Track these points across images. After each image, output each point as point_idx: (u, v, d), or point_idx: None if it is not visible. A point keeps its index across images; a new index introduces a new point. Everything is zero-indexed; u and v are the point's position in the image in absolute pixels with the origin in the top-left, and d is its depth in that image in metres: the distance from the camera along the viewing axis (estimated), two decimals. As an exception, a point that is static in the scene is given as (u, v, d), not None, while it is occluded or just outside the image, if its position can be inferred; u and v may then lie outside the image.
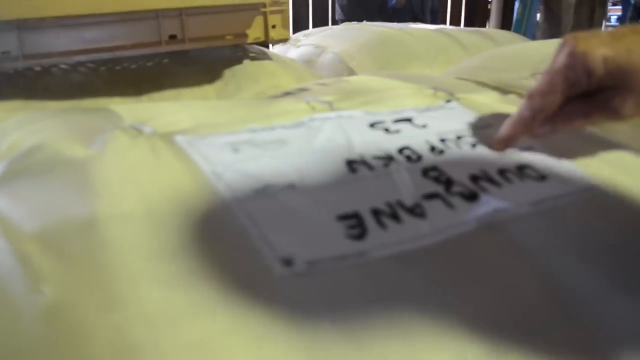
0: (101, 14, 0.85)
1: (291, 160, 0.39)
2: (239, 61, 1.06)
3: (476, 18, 3.71)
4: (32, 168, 0.36)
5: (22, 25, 0.81)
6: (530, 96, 0.43)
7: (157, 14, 0.92)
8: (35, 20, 0.79)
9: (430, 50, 1.45)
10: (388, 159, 0.41)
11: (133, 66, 0.97)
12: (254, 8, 1.01)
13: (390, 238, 0.33)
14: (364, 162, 0.40)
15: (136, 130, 0.41)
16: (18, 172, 0.35)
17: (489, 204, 0.37)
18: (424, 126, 0.47)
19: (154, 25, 0.93)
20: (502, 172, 0.41)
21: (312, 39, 1.66)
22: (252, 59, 1.08)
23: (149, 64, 0.99)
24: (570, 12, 2.09)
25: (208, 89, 1.01)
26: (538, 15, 2.89)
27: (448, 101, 0.54)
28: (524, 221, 0.36)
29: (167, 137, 0.41)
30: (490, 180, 0.40)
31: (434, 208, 0.36)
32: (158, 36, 0.93)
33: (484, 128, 0.48)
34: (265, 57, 1.11)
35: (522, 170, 0.41)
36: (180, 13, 0.93)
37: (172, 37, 0.95)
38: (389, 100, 0.52)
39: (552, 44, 0.46)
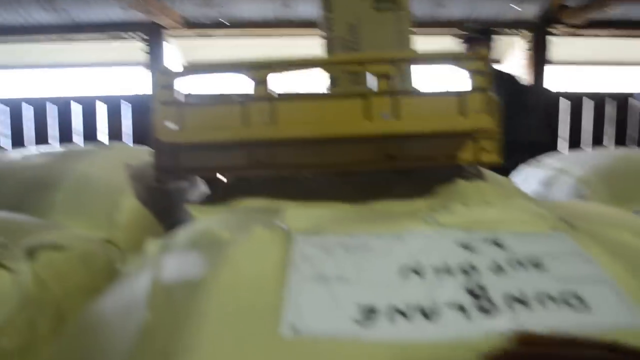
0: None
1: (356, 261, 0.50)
2: (452, 179, 1.16)
3: None
4: (195, 242, 0.55)
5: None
6: None
7: (380, 139, 1.10)
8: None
9: None
10: (445, 271, 0.48)
11: (356, 179, 1.17)
12: (467, 135, 1.11)
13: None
14: (416, 271, 0.48)
15: (275, 226, 0.58)
16: (185, 244, 0.55)
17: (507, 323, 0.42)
18: (506, 248, 0.52)
19: (376, 147, 1.11)
20: (541, 296, 0.44)
21: (554, 160, 1.65)
22: (465, 177, 1.17)
23: (365, 178, 1.17)
24: None
25: (419, 203, 1.14)
26: None
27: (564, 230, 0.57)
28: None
29: (291, 233, 0.56)
30: (523, 302, 0.44)
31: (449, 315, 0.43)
32: (378, 155, 1.11)
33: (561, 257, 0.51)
34: (479, 177, 1.19)
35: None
36: (399, 137, 1.10)
37: (391, 157, 1.12)
38: (494, 223, 0.58)
39: None
